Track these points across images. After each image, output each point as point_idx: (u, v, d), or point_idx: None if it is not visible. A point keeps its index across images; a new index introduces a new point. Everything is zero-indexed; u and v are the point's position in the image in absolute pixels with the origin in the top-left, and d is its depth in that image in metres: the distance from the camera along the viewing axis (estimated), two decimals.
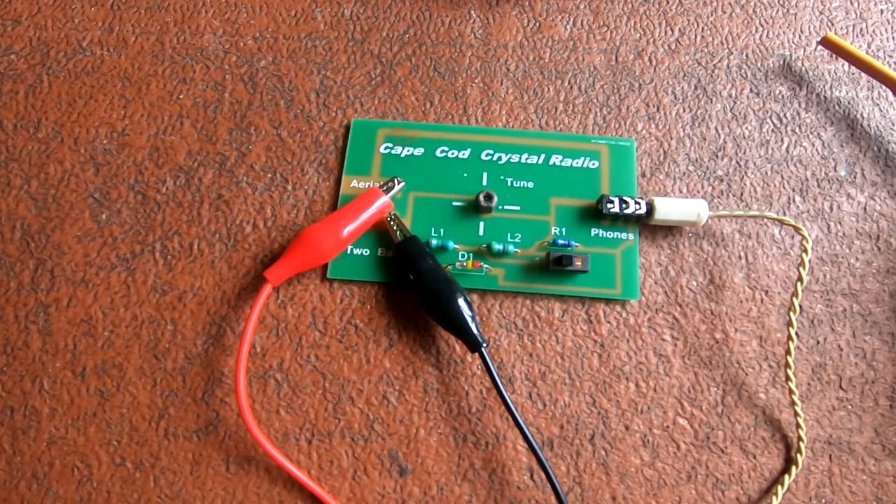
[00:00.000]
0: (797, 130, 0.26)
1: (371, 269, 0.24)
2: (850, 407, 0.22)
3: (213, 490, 0.21)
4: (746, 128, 0.26)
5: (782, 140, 0.26)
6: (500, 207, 0.24)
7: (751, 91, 0.27)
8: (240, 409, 0.21)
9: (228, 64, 0.27)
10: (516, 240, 0.24)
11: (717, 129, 0.26)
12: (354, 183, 0.25)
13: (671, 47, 0.27)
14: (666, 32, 0.28)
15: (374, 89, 0.27)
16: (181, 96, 0.27)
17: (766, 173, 0.25)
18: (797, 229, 0.23)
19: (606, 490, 0.21)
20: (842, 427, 0.22)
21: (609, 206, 0.23)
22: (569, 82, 0.27)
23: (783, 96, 0.26)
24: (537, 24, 0.28)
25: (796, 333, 0.23)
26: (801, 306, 0.23)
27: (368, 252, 0.24)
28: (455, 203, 0.24)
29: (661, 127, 0.26)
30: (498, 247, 0.23)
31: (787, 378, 0.22)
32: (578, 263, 0.23)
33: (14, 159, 0.26)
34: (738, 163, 0.25)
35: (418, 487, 0.21)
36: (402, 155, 0.25)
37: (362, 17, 0.28)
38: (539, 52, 0.27)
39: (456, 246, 0.24)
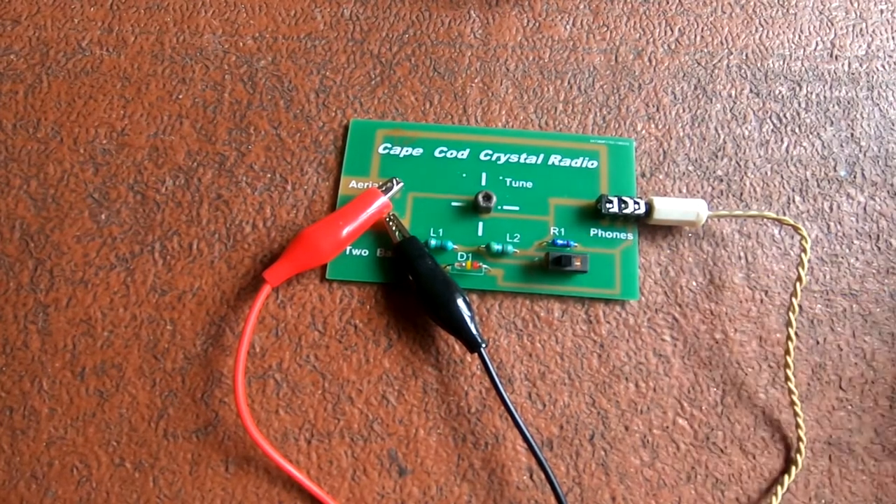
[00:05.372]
0: (797, 130, 0.26)
1: (370, 269, 0.24)
2: (849, 407, 0.22)
3: (213, 490, 0.21)
4: (746, 128, 0.26)
5: (782, 140, 0.26)
6: (499, 207, 0.24)
7: (751, 91, 0.27)
8: (238, 410, 0.21)
9: (228, 64, 0.27)
10: (515, 240, 0.24)
11: (716, 129, 0.26)
12: (353, 183, 0.25)
13: (671, 47, 0.27)
14: (666, 32, 0.28)
15: (373, 89, 0.27)
16: (181, 96, 0.27)
17: (766, 173, 0.25)
18: (797, 229, 0.23)
19: (606, 490, 0.21)
20: (842, 427, 0.22)
21: (608, 205, 0.23)
22: (568, 82, 0.27)
23: (783, 96, 0.26)
24: (537, 24, 0.28)
25: (796, 333, 0.23)
26: (800, 306, 0.23)
27: (367, 252, 0.24)
28: (454, 203, 0.24)
29: (660, 127, 0.26)
30: (497, 247, 0.23)
31: (787, 378, 0.22)
32: (577, 263, 0.23)
33: (13, 159, 0.26)
34: (737, 163, 0.25)
35: (418, 487, 0.21)
36: (401, 155, 0.25)
37: (362, 17, 0.28)
38: (539, 52, 0.27)
39: (455, 246, 0.24)
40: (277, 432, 0.22)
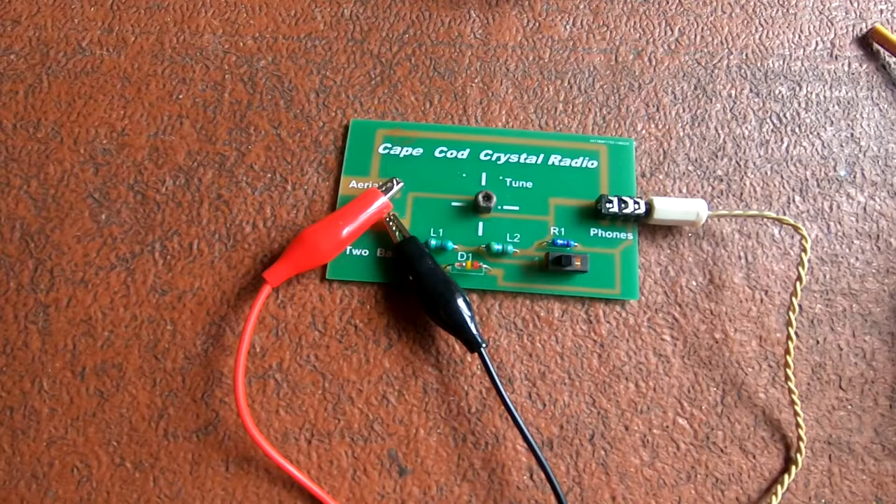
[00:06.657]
0: (797, 130, 0.26)
1: (370, 269, 0.24)
2: (849, 407, 0.22)
3: (213, 490, 0.21)
4: (746, 128, 0.26)
5: (782, 140, 0.26)
6: (499, 207, 0.24)
7: (751, 91, 0.27)
8: (238, 410, 0.21)
9: (228, 64, 0.27)
10: (515, 240, 0.24)
11: (716, 129, 0.26)
12: (353, 183, 0.25)
13: (671, 47, 0.27)
14: (666, 32, 0.28)
15: (373, 89, 0.27)
16: (181, 96, 0.27)
17: (766, 173, 0.25)
18: (797, 229, 0.23)
19: (606, 490, 0.21)
20: (841, 427, 0.22)
21: (608, 205, 0.23)
22: (568, 82, 0.27)
23: (783, 96, 0.26)
24: (537, 24, 0.28)
25: (796, 333, 0.23)
26: (800, 306, 0.23)
27: (367, 252, 0.24)
28: (454, 203, 0.24)
29: (660, 127, 0.26)
30: (497, 247, 0.23)
31: (787, 378, 0.22)
32: (577, 263, 0.23)
33: (14, 159, 0.26)
34: (737, 163, 0.25)
35: (418, 487, 0.21)
36: (401, 155, 0.25)
37: (362, 17, 0.28)
38: (539, 52, 0.27)
39: (455, 246, 0.24)
40: (278, 432, 0.22)
